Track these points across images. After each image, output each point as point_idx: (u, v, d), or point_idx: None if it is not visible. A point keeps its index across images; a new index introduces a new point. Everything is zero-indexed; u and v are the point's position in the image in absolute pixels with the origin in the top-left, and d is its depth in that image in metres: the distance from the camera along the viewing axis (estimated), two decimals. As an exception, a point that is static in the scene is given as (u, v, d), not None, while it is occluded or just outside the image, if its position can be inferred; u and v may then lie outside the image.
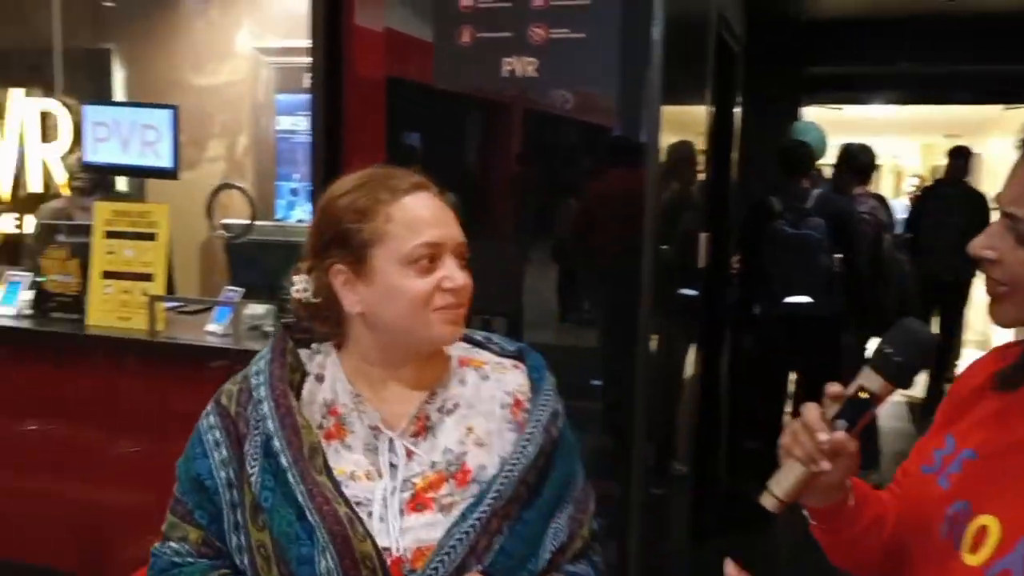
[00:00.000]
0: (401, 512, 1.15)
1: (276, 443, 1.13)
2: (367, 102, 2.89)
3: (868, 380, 1.04)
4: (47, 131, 4.96)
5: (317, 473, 1.12)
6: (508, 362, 1.29)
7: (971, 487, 1.08)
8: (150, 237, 3.19)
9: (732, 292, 4.55)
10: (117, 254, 3.21)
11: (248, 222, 3.52)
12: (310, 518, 1.09)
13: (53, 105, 4.90)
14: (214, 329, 3.15)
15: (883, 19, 5.27)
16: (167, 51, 4.98)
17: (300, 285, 1.21)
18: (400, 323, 1.17)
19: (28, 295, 3.37)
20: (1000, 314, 1.08)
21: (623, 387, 2.73)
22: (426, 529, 1.15)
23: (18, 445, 3.30)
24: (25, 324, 3.32)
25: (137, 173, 3.48)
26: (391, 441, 1.19)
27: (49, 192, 4.95)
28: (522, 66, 2.46)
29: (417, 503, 1.16)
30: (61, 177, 4.89)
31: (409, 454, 1.18)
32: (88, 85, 4.85)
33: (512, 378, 1.27)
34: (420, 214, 1.17)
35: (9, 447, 3.31)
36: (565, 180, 3.45)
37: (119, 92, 4.96)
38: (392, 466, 1.17)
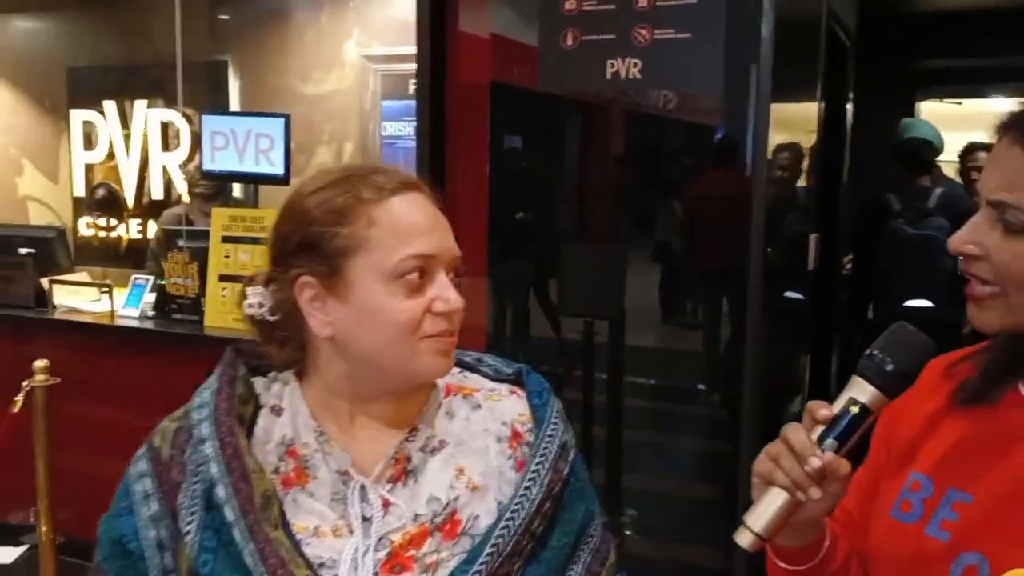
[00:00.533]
0: (375, 575, 0.93)
1: (220, 491, 0.90)
2: (471, 106, 2.93)
3: (858, 391, 0.91)
4: (168, 141, 5.21)
5: (271, 528, 0.90)
6: (504, 387, 1.08)
7: (981, 537, 0.93)
8: (263, 242, 3.31)
9: (843, 294, 4.42)
10: (233, 258, 3.34)
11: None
12: None
13: (174, 116, 5.14)
14: (324, 330, 3.24)
15: (1003, 9, 5.02)
16: (279, 61, 5.15)
17: (253, 299, 0.99)
18: (379, 352, 0.94)
19: (151, 297, 3.54)
20: (985, 319, 0.95)
21: (729, 392, 2.68)
22: None
23: (140, 440, 3.47)
24: (148, 325, 3.48)
25: (252, 180, 3.61)
26: (363, 488, 0.96)
27: (170, 199, 5.20)
28: (626, 68, 2.45)
29: (395, 564, 0.94)
30: (181, 184, 5.13)
31: (386, 504, 0.96)
32: (206, 96, 5.07)
33: (509, 406, 1.05)
34: (411, 219, 0.95)
35: (132, 441, 3.48)
36: (669, 181, 3.42)
37: (234, 102, 5.16)
38: (365, 519, 0.95)
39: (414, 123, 4.46)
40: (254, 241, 3.30)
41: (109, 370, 3.46)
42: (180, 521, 0.92)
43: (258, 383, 1.01)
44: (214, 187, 4.01)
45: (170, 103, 5.19)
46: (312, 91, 4.93)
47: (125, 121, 5.34)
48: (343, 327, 0.94)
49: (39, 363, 2.89)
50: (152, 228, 5.27)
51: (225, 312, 3.33)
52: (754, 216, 2.36)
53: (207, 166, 3.47)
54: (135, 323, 3.49)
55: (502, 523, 0.94)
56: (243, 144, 3.32)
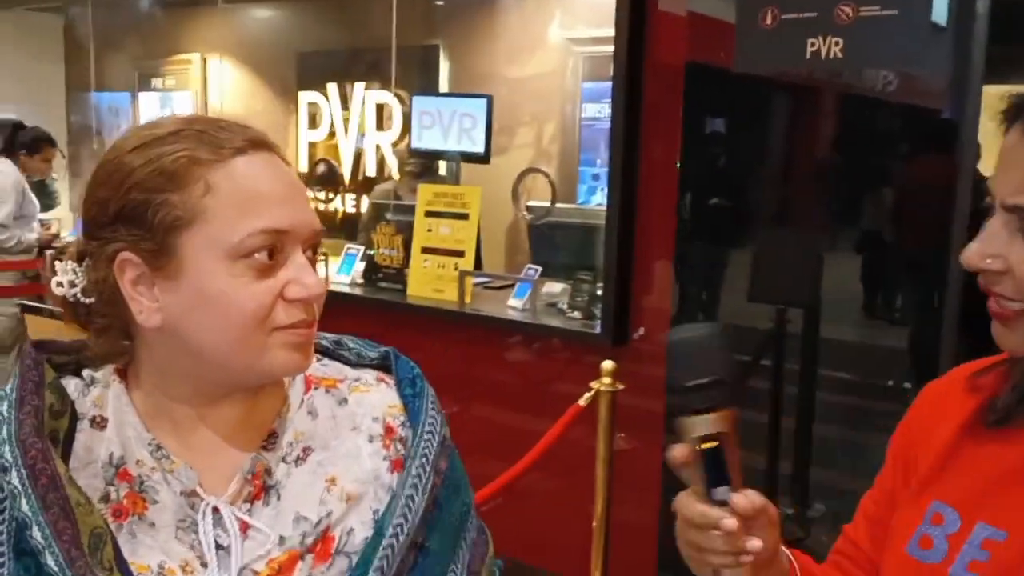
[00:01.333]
0: None
1: (36, 534, 0.72)
2: (666, 87, 2.94)
3: (695, 427, 0.81)
4: (382, 121, 5.55)
5: (105, 573, 0.74)
6: (369, 374, 0.93)
7: None
8: (463, 217, 3.48)
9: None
10: (435, 232, 3.54)
11: (549, 204, 3.72)
12: None
13: (388, 97, 5.47)
14: (515, 304, 3.38)
15: None
16: (486, 45, 5.35)
17: (63, 277, 0.80)
18: (221, 346, 0.77)
19: (361, 266, 3.82)
20: (1012, 340, 0.82)
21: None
22: None
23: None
24: (357, 291, 3.77)
25: (453, 157, 3.80)
26: (216, 511, 0.80)
27: (382, 175, 5.55)
28: (828, 46, 2.38)
29: None
30: (393, 162, 5.46)
31: (244, 528, 0.80)
32: (419, 79, 5.35)
33: (379, 397, 0.90)
34: (259, 185, 0.77)
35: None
36: (871, 166, 3.27)
37: (444, 85, 5.41)
38: (220, 548, 0.79)
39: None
40: (455, 216, 3.48)
41: (321, 328, 3.78)
42: None
43: (71, 387, 0.82)
44: (422, 165, 4.24)
45: (386, 85, 5.53)
46: (516, 74, 5.08)
47: (345, 102, 5.74)
48: (175, 315, 0.77)
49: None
50: (365, 202, 5.66)
51: (426, 282, 3.54)
52: (957, 205, 2.24)
53: (415, 144, 3.69)
54: (345, 289, 3.79)
55: (385, 541, 0.81)
56: (448, 123, 3.50)
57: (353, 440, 0.87)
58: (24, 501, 0.73)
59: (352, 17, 5.92)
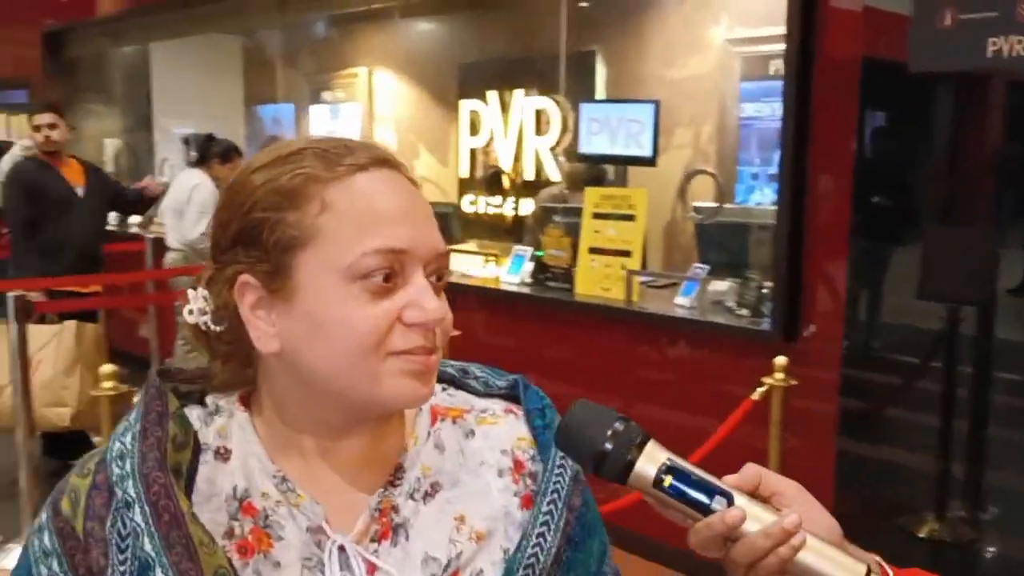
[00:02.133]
0: None
1: (160, 575, 0.70)
2: (838, 84, 2.96)
3: (644, 477, 0.71)
4: (541, 126, 5.74)
5: None
6: (497, 404, 0.88)
7: None
8: (630, 218, 3.61)
9: None
10: (602, 233, 3.68)
11: (717, 205, 3.79)
12: None
13: (547, 103, 5.65)
14: (682, 302, 3.47)
15: None
16: (643, 49, 5.45)
17: (195, 304, 0.78)
18: (335, 372, 0.73)
19: (529, 267, 4.01)
20: None
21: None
22: None
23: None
24: (526, 291, 3.96)
25: (621, 161, 3.93)
26: (342, 550, 0.77)
27: (540, 179, 5.74)
28: (1010, 45, 2.37)
29: None
30: (551, 166, 5.63)
31: (372, 570, 0.77)
32: (575, 84, 5.50)
33: (507, 430, 0.86)
34: (377, 203, 0.73)
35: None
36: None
37: (600, 89, 5.55)
38: None
39: (773, 104, 4.52)
40: (622, 217, 3.62)
41: (495, 327, 3.99)
42: None
43: (194, 416, 0.80)
44: (588, 169, 4.39)
45: (543, 91, 5.72)
46: (673, 76, 5.16)
47: (505, 108, 5.97)
48: (291, 340, 0.74)
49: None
50: (524, 205, 5.86)
51: (594, 282, 3.68)
52: None
53: (583, 149, 3.84)
54: (515, 288, 3.98)
55: None
56: (615, 129, 3.63)
57: (482, 476, 0.82)
58: (147, 540, 0.70)
59: (511, 28, 6.15)
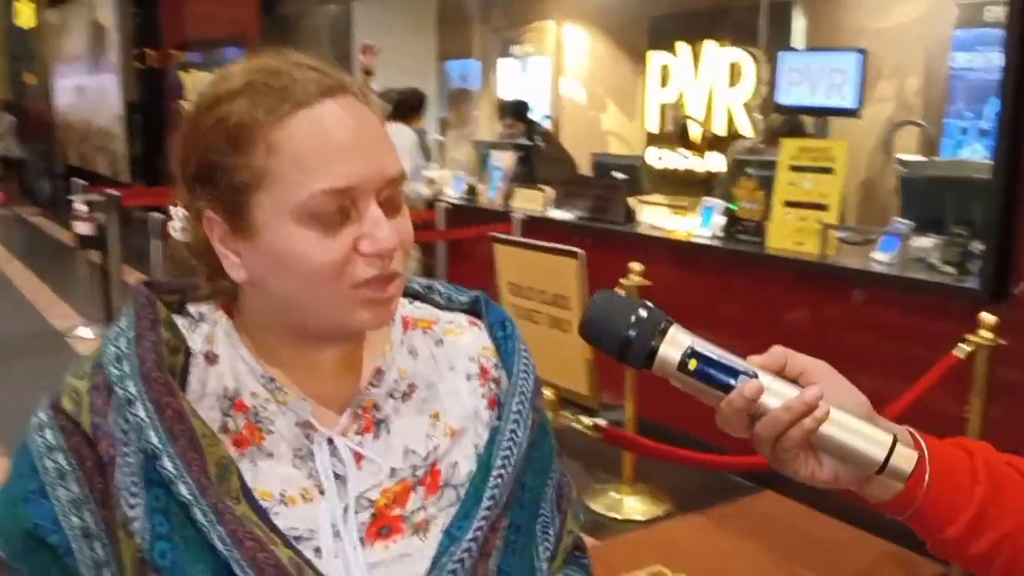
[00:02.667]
0: (362, 541, 0.80)
1: (167, 464, 0.73)
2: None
3: (668, 360, 0.72)
4: (733, 78, 5.65)
5: (234, 502, 0.75)
6: (461, 318, 0.94)
7: None
8: (828, 171, 3.54)
9: None
10: (797, 186, 3.63)
11: (925, 158, 3.64)
12: (240, 574, 0.73)
13: (740, 55, 5.55)
14: (880, 257, 3.39)
15: None
16: (845, -3, 5.24)
17: (179, 223, 0.83)
18: (301, 302, 0.77)
19: (720, 220, 4.01)
20: None
21: None
22: (402, 563, 0.80)
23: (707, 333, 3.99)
24: (715, 243, 3.97)
25: (822, 112, 3.84)
26: (331, 442, 0.82)
27: (731, 133, 5.66)
28: None
29: (381, 526, 0.81)
30: (743, 119, 5.55)
31: (358, 459, 0.82)
32: (772, 35, 5.36)
33: (471, 339, 0.92)
34: (322, 142, 0.74)
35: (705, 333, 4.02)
36: None
37: (798, 40, 5.39)
38: (337, 477, 0.81)
39: (988, 53, 4.26)
40: (819, 170, 3.56)
41: (683, 278, 4.04)
42: (120, 504, 0.74)
43: (180, 325, 0.83)
44: (785, 120, 4.32)
45: (737, 43, 5.61)
46: (879, 25, 4.93)
47: (695, 61, 5.91)
48: (257, 271, 0.78)
49: (635, 265, 3.51)
50: (712, 159, 5.82)
51: (787, 235, 3.65)
52: None
53: (781, 100, 3.79)
54: (705, 240, 4.00)
55: (494, 472, 0.83)
56: (816, 79, 3.56)
57: (452, 379, 0.89)
58: (152, 433, 0.74)
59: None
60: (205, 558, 0.73)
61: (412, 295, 0.94)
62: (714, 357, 0.72)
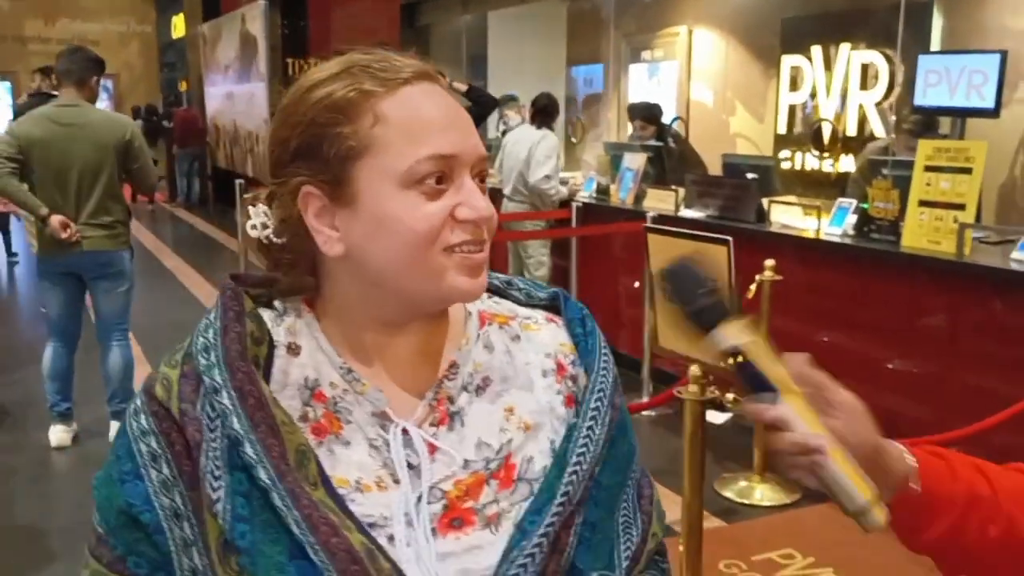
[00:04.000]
0: (433, 532, 0.82)
1: (248, 450, 0.78)
2: None
3: (715, 344, 0.82)
4: (866, 80, 5.66)
5: (311, 487, 0.78)
6: (540, 314, 0.95)
7: None
8: (966, 171, 3.57)
9: None
10: (933, 186, 3.67)
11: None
12: (313, 557, 0.76)
13: (875, 57, 5.55)
14: (1020, 257, 3.40)
15: None
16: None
17: (256, 219, 0.86)
18: (399, 268, 0.81)
19: (852, 219, 4.08)
20: None
21: None
22: (472, 555, 0.82)
23: (830, 344, 4.07)
24: (848, 241, 4.03)
25: (960, 113, 3.86)
26: (404, 433, 0.84)
27: (863, 134, 5.67)
28: None
29: (453, 517, 0.83)
30: (876, 121, 5.55)
31: (432, 450, 0.84)
32: (907, 36, 5.34)
33: (549, 336, 0.93)
34: (425, 113, 0.80)
35: (832, 333, 4.10)
36: None
37: (936, 42, 5.35)
38: (410, 467, 0.83)
39: None
40: (957, 171, 3.59)
41: (816, 275, 4.12)
42: (204, 486, 0.78)
43: (265, 317, 0.87)
44: (921, 123, 4.34)
45: (872, 45, 5.61)
46: (1020, 25, 4.87)
47: (828, 64, 5.93)
48: (355, 242, 0.81)
49: (768, 262, 3.64)
50: (843, 161, 5.83)
51: (922, 235, 3.70)
52: None
53: (919, 102, 3.83)
54: (837, 239, 4.07)
55: (569, 469, 0.84)
56: (955, 81, 3.59)
57: (528, 374, 0.90)
58: (235, 420, 0.78)
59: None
60: (282, 541, 0.76)
61: (491, 291, 0.96)
62: (752, 367, 0.81)
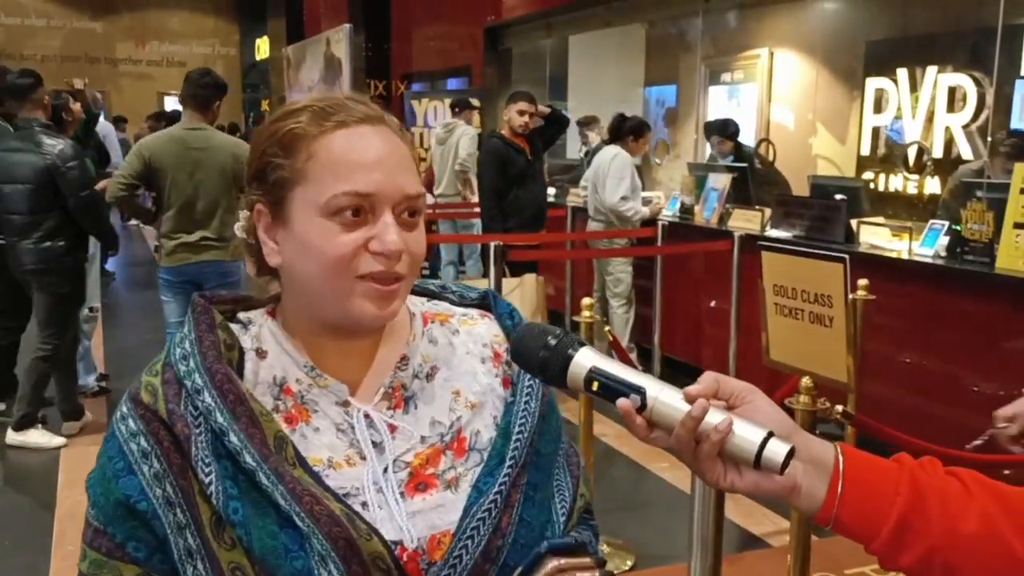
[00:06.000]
0: (402, 495, 0.94)
1: (233, 439, 0.88)
2: None
3: (576, 378, 0.84)
4: (954, 103, 5.66)
5: (291, 467, 0.90)
6: (474, 312, 1.09)
7: None
8: (1064, 195, 3.59)
9: None
10: (1029, 208, 3.70)
11: None
12: (300, 524, 0.87)
13: (963, 80, 5.56)
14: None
15: None
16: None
17: (243, 223, 0.99)
18: (314, 287, 0.93)
19: (944, 240, 4.11)
20: None
21: None
22: (437, 512, 0.94)
23: (921, 364, 4.10)
24: (940, 263, 4.07)
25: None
26: (366, 417, 0.97)
27: (949, 156, 5.67)
28: None
29: (418, 482, 0.95)
30: (963, 143, 5.55)
31: (392, 429, 0.97)
32: (1000, 60, 5.31)
33: (484, 329, 1.07)
34: (350, 155, 0.91)
35: (926, 352, 4.13)
36: None
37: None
38: (374, 444, 0.95)
39: None
40: (1055, 193, 3.62)
41: (907, 295, 4.16)
42: (196, 474, 0.89)
43: (234, 329, 0.98)
44: (1018, 146, 4.35)
45: (958, 68, 5.62)
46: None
47: (914, 86, 5.95)
48: (288, 258, 0.94)
49: (862, 281, 3.71)
50: (930, 183, 5.84)
51: (1017, 256, 3.72)
52: None
53: (1016, 125, 3.86)
54: (929, 260, 4.11)
55: (514, 437, 0.98)
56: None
57: (469, 362, 1.03)
58: (218, 414, 0.89)
59: (928, 1, 6.06)
60: (270, 514, 0.87)
61: (429, 295, 1.10)
62: (612, 376, 0.82)
